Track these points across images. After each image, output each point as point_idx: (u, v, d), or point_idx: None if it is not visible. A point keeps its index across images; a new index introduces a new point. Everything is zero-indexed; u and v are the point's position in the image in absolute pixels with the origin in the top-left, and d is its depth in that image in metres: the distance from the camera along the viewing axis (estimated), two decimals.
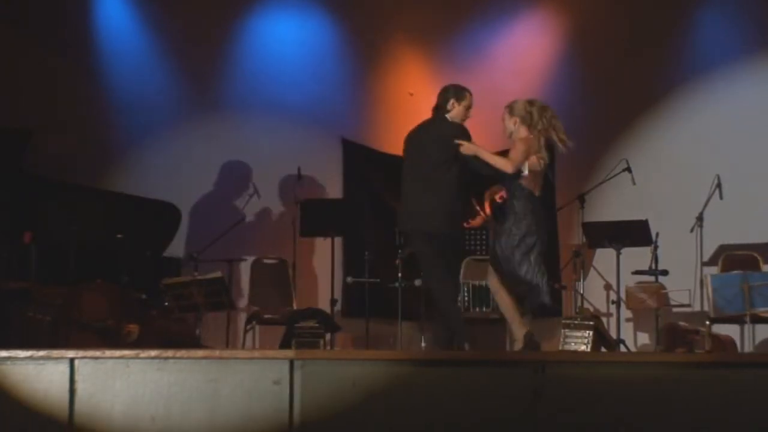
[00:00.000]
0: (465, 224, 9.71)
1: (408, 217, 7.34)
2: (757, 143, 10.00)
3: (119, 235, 9.15)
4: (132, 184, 10.31)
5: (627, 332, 9.80)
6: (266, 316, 9.77)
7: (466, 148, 7.30)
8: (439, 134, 7.31)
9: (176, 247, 10.01)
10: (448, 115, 7.43)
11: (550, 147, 7.29)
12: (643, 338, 10.03)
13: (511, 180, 7.23)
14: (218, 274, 9.13)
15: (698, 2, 10.38)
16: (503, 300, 7.22)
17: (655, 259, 9.21)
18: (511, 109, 7.42)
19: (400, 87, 10.71)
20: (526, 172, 7.19)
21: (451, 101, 7.43)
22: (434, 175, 7.21)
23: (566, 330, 8.76)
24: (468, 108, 7.52)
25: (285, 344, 9.04)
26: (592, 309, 9.57)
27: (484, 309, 9.10)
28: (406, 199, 7.34)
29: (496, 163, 7.24)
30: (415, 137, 7.42)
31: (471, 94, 7.56)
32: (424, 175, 7.23)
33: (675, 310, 9.57)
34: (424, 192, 7.21)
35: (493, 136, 10.51)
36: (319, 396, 5.54)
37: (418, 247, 7.38)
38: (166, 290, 8.90)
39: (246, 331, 9.70)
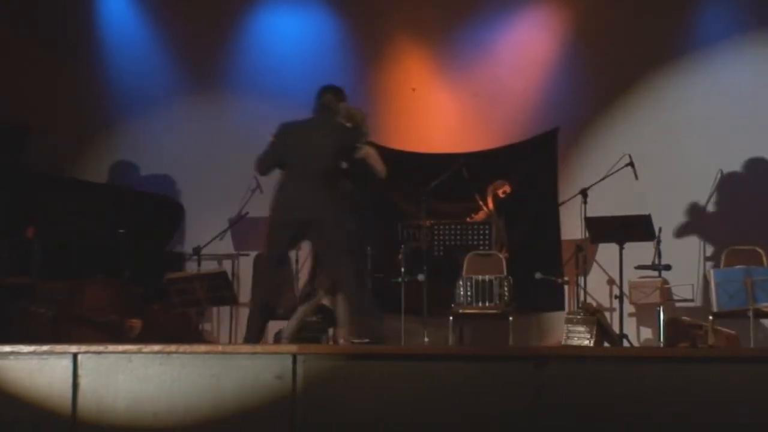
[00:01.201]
0: (468, 219, 9.78)
1: (310, 206, 7.19)
2: (760, 137, 10.00)
3: (122, 231, 9.16)
4: (134, 179, 10.32)
5: (630, 327, 9.79)
6: None
7: (365, 152, 7.45)
8: (343, 140, 7.37)
9: (179, 242, 10.01)
10: (337, 118, 7.48)
11: None
12: (646, 333, 10.03)
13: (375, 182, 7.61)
14: (221, 268, 9.14)
15: None
16: None
17: (658, 253, 9.20)
18: (352, 115, 7.61)
19: (402, 82, 10.72)
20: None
21: (342, 103, 7.50)
22: (334, 178, 7.28)
23: (569, 325, 8.76)
24: None
25: None
26: (594, 304, 9.57)
27: (487, 303, 9.10)
28: (304, 191, 7.20)
29: (381, 169, 7.51)
30: (310, 138, 7.30)
31: None
32: (324, 174, 7.22)
33: (678, 305, 9.57)
34: (325, 187, 7.21)
35: (493, 132, 10.57)
36: (322, 391, 5.54)
37: (325, 235, 7.25)
38: (169, 285, 8.90)
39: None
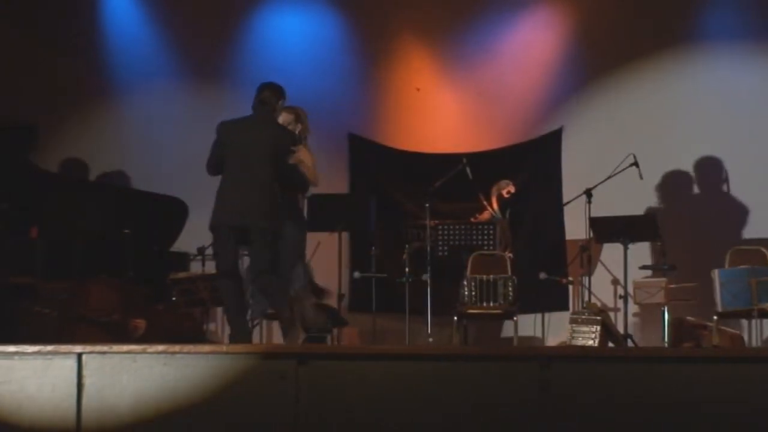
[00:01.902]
0: (473, 219, 9.78)
1: (246, 212, 7.14)
2: (765, 136, 9.99)
3: (126, 231, 9.15)
4: (139, 179, 10.32)
5: (634, 327, 9.79)
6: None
7: (296, 157, 7.48)
8: (278, 138, 7.32)
9: (184, 242, 10.00)
10: (275, 116, 7.48)
11: None
12: (651, 333, 10.02)
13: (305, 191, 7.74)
14: None
15: None
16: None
17: (663, 253, 9.19)
18: (297, 115, 7.75)
19: (406, 82, 10.71)
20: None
21: (281, 102, 7.49)
22: (269, 177, 7.18)
23: (573, 325, 8.76)
24: None
25: None
26: (599, 304, 9.56)
27: (491, 303, 9.09)
28: (239, 194, 7.15)
29: (312, 176, 7.61)
30: (246, 133, 7.29)
31: None
32: (258, 174, 7.15)
33: (682, 305, 9.55)
34: (260, 190, 7.14)
35: (497, 131, 10.58)
36: (326, 391, 5.54)
37: (256, 241, 7.17)
38: (173, 285, 8.90)
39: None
